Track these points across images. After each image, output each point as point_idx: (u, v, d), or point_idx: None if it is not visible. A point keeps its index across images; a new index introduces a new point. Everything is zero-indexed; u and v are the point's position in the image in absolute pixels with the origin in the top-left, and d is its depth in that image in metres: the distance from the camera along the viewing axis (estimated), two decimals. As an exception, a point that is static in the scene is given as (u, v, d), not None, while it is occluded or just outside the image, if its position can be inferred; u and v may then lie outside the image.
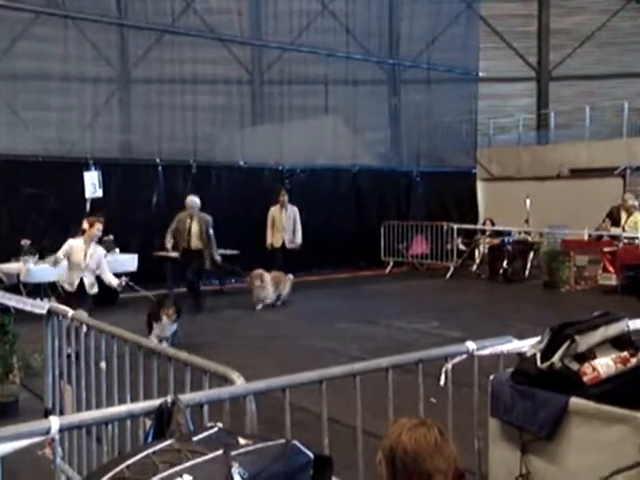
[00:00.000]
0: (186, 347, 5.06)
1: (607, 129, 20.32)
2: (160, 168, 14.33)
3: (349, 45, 17.52)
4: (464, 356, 3.26)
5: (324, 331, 9.52)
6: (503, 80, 23.86)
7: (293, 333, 9.54)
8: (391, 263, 16.49)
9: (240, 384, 2.71)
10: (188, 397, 2.56)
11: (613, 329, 2.87)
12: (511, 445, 2.94)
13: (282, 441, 1.77)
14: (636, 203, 13.74)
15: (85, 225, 8.20)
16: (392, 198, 17.58)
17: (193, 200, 11.46)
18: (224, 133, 17.09)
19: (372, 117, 18.58)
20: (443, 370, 3.17)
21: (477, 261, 15.64)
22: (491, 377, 3.04)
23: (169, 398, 2.30)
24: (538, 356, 2.81)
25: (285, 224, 12.95)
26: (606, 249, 13.04)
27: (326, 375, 2.87)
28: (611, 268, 12.74)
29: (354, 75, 17.47)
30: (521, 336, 3.51)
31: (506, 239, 15.04)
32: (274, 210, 13.09)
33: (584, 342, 2.77)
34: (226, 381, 2.79)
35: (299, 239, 13.03)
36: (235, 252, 12.88)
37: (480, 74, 19.33)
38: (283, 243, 12.95)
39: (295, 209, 13.10)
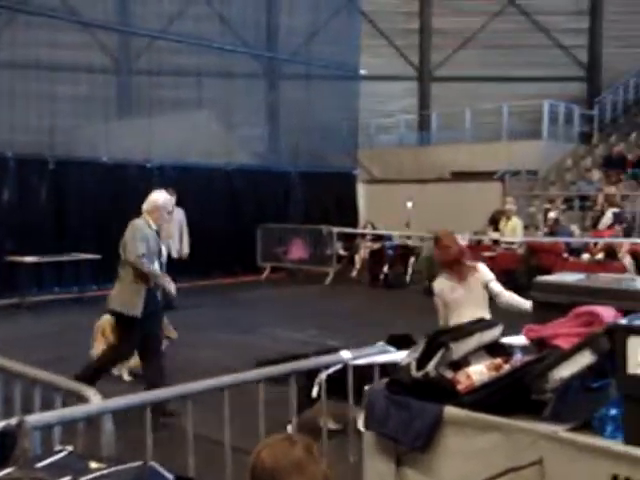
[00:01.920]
0: (37, 362, 4.83)
1: (488, 132, 21.31)
2: (11, 163, 13.66)
3: (224, 35, 17.40)
4: (339, 366, 3.31)
5: (196, 342, 9.37)
6: (385, 79, 24.48)
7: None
8: (268, 268, 16.51)
9: (96, 402, 2.63)
10: (36, 418, 2.46)
11: (487, 336, 3.01)
12: (386, 458, 3.01)
13: (138, 463, 1.73)
14: (514, 208, 14.53)
15: None
16: (269, 199, 17.60)
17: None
18: (87, 126, 16.50)
19: (249, 113, 18.54)
20: (317, 381, 3.21)
21: (357, 266, 15.95)
22: (366, 387, 3.10)
23: (14, 420, 2.20)
24: (413, 365, 2.90)
25: (172, 230, 11.79)
26: (485, 254, 13.65)
27: (191, 390, 2.83)
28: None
29: (229, 68, 17.35)
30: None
31: (387, 243, 15.45)
32: None
33: (459, 349, 2.89)
34: (81, 399, 2.70)
35: (187, 248, 12.08)
36: (96, 257, 12.47)
37: (361, 72, 19.74)
38: (169, 253, 12.02)
39: (182, 212, 12.12)
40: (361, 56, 19.67)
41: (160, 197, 6.47)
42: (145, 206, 6.39)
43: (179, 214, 11.95)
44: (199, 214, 15.36)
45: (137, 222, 6.34)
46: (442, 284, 5.25)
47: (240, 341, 9.56)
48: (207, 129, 17.10)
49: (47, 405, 2.84)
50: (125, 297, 6.15)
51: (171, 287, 6.31)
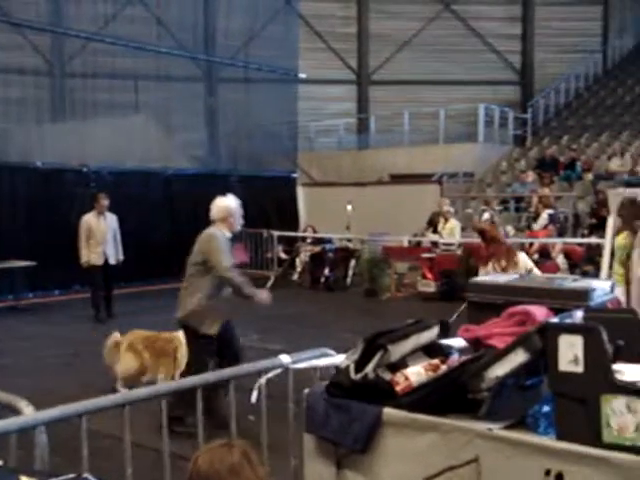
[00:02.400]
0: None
1: (425, 135, 21.60)
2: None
3: (161, 38, 17.23)
4: (278, 370, 3.31)
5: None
6: (324, 82, 24.60)
7: (99, 354, 9.15)
8: (209, 273, 16.35)
9: (29, 413, 2.57)
10: (-35, 432, 2.38)
11: (425, 337, 3.05)
12: (326, 461, 3.02)
13: (72, 476, 1.70)
14: (452, 209, 14.77)
15: None
16: (209, 204, 17.39)
17: None
18: (18, 129, 16.12)
19: (187, 117, 18.41)
20: (256, 386, 3.20)
21: (298, 270, 15.96)
22: (306, 391, 3.11)
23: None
24: (352, 367, 2.91)
25: (106, 236, 11.31)
26: (425, 255, 13.84)
27: (130, 398, 2.79)
28: (430, 275, 13.54)
29: (167, 71, 17.20)
30: (341, 346, 3.63)
31: (327, 246, 15.49)
32: (90, 219, 11.29)
33: (396, 351, 2.91)
34: (13, 411, 2.63)
35: (121, 254, 11.60)
36: (31, 263, 12.18)
37: (300, 75, 19.79)
38: (106, 260, 11.31)
39: (114, 217, 11.63)
40: (300, 59, 19.73)
41: (231, 202, 6.08)
42: (215, 214, 6.02)
43: (112, 220, 11.50)
44: (138, 219, 15.15)
45: (214, 232, 5.96)
46: (489, 273, 5.33)
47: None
48: (145, 133, 16.89)
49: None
50: (203, 313, 5.79)
51: (263, 296, 6.00)
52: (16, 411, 2.61)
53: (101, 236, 11.27)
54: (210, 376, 3.18)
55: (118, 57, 16.71)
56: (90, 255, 11.21)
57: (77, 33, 16.65)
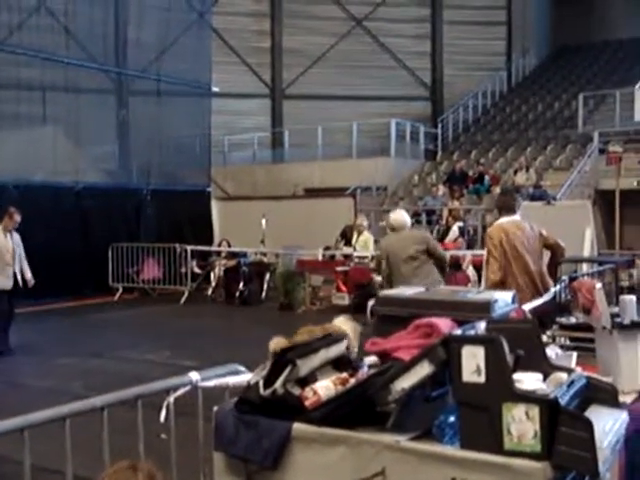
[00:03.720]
0: None
1: (339, 149, 21.85)
2: None
3: (70, 49, 16.80)
4: (187, 388, 3.26)
5: (43, 368, 8.98)
6: (237, 96, 24.59)
7: (4, 372, 8.85)
8: (120, 289, 16.07)
9: None
10: None
11: (333, 351, 3.06)
12: (237, 478, 3.00)
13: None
14: (365, 223, 14.94)
15: None
16: (121, 218, 17.18)
17: None
18: None
19: (98, 130, 18.04)
20: (164, 404, 3.15)
21: (213, 284, 15.84)
22: (215, 408, 3.08)
23: None
24: (261, 383, 2.90)
25: (8, 258, 10.12)
26: (338, 269, 13.96)
27: (29, 422, 2.70)
28: (344, 287, 13.67)
29: (76, 82, 16.76)
30: (254, 362, 3.61)
31: (242, 260, 15.44)
32: None
33: (305, 366, 2.92)
34: None
35: (29, 272, 10.48)
36: None
37: (213, 89, 19.70)
38: (15, 280, 10.18)
39: (18, 236, 10.51)
40: (213, 73, 19.64)
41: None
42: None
43: (17, 239, 10.45)
44: (46, 235, 14.71)
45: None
46: None
47: (88, 366, 9.22)
48: (53, 146, 16.44)
49: None
50: None
51: None
52: None
53: (10, 257, 10.18)
54: (114, 395, 3.11)
55: (24, 67, 16.19)
56: None
57: (-21, 42, 16.06)
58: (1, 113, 16.22)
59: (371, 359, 3.25)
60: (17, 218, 10.34)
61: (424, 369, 2.63)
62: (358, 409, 2.80)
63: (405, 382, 2.64)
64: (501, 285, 6.00)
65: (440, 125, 23.87)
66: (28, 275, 10.45)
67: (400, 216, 8.05)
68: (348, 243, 14.92)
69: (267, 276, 15.28)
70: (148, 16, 18.49)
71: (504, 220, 6.46)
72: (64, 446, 2.87)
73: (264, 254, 16.03)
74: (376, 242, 15.14)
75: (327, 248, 15.22)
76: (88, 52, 17.62)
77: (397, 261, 7.48)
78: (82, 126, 17.17)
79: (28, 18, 17.03)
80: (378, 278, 9.82)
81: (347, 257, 14.57)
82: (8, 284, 10.12)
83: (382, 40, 26.45)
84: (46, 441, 3.00)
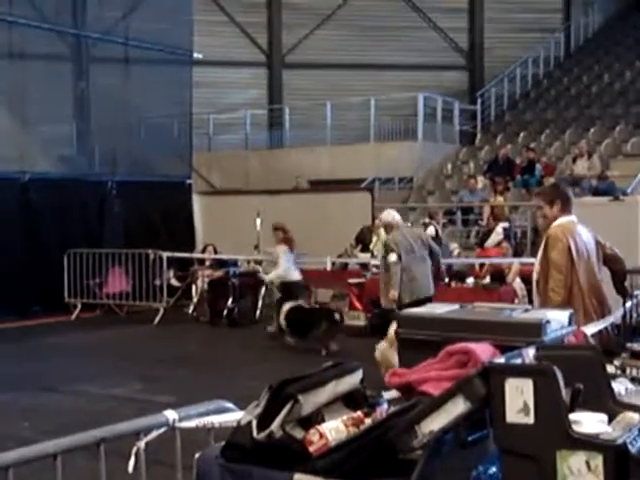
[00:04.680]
0: None
1: (352, 132, 21.87)
2: None
3: (14, 5, 16.87)
4: (162, 430, 3.28)
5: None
6: (225, 64, 24.66)
7: None
8: (79, 306, 16.11)
9: None
10: None
11: (344, 384, 3.07)
12: (223, 543, 3.01)
13: None
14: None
15: None
16: (79, 218, 17.22)
17: None
18: None
19: (50, 106, 18.10)
20: (133, 451, 3.17)
21: (194, 300, 15.87)
22: (197, 455, 3.10)
23: None
24: (254, 424, 2.91)
25: None
26: (352, 281, 13.96)
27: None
28: (358, 304, 13.66)
29: (22, 47, 16.82)
30: (245, 397, 3.62)
31: (231, 271, 15.45)
32: None
33: (310, 402, 2.92)
34: None
35: None
36: None
37: (195, 55, 19.73)
38: None
39: None
40: (195, 36, 19.68)
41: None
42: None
43: None
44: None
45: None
46: None
47: (38, 402, 9.24)
48: (-6, 127, 16.56)
49: None
50: None
51: None
52: None
53: None
54: (71, 439, 3.13)
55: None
56: None
57: None
58: None
59: (392, 394, 3.26)
60: None
61: (458, 407, 2.64)
62: (375, 457, 2.81)
63: (434, 423, 2.65)
64: (566, 306, 5.87)
65: (480, 101, 23.85)
66: None
67: (396, 213, 9.71)
68: (365, 249, 14.91)
69: (262, 290, 15.29)
70: (113, -38, 18.60)
71: (564, 220, 6.29)
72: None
73: (259, 263, 16.04)
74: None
75: (339, 256, 15.23)
76: (38, 9, 17.68)
77: (410, 261, 7.89)
78: (30, 102, 17.23)
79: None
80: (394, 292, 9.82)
81: (363, 266, 14.57)
82: None
83: (407, -6, 26.50)
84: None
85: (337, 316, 12.09)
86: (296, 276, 13.23)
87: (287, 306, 12.36)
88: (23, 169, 16.57)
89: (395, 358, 8.87)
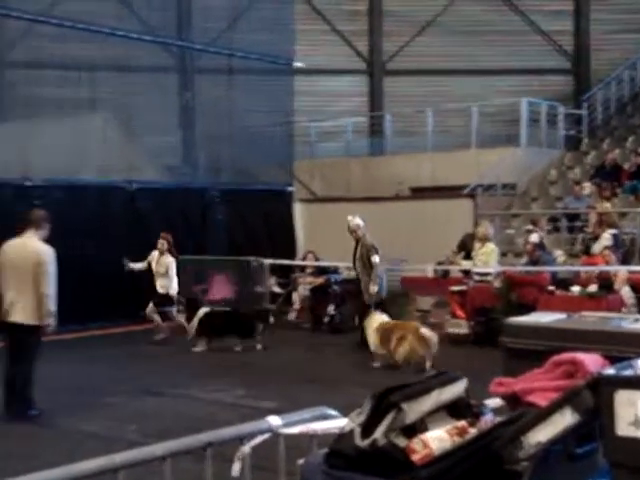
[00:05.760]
0: None
1: (454, 138, 21.67)
2: None
3: (123, 20, 17.34)
4: (266, 435, 3.31)
5: (87, 409, 9.23)
6: (327, 72, 24.74)
7: (41, 412, 9.14)
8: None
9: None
10: None
11: (448, 393, 3.05)
12: None
13: None
14: (491, 231, 14.69)
15: None
16: (184, 225, 17.48)
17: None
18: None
19: (157, 117, 18.50)
20: (237, 455, 3.21)
21: (296, 307, 15.96)
22: (300, 461, 3.11)
23: None
24: (357, 431, 2.91)
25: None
26: (454, 288, 13.83)
27: (72, 473, 2.79)
28: (461, 312, 13.52)
29: (131, 60, 17.27)
30: (348, 405, 3.63)
31: (332, 278, 15.49)
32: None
33: (413, 411, 2.92)
34: None
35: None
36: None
37: (297, 64, 19.88)
38: None
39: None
40: (296, 45, 19.84)
41: None
42: None
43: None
44: (94, 245, 15.16)
45: None
46: None
47: (143, 406, 9.43)
48: (103, 137, 16.98)
49: None
50: None
51: None
52: None
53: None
54: (178, 443, 3.19)
55: (69, 43, 16.81)
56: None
57: (19, 14, 16.76)
58: (41, 98, 16.84)
59: (496, 403, 3.22)
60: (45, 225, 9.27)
61: (566, 418, 2.59)
62: (480, 467, 2.78)
63: (541, 434, 2.61)
64: None
65: (586, 105, 23.34)
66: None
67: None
68: (468, 256, 14.77)
69: (364, 298, 15.28)
70: (217, -24, 18.92)
71: None
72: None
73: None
74: (503, 255, 14.96)
75: (440, 263, 15.11)
76: (145, 23, 18.11)
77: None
78: (137, 113, 17.62)
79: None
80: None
81: (465, 274, 14.43)
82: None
83: (510, -2, 26.17)
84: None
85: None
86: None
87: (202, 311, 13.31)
88: (131, 178, 16.92)
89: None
